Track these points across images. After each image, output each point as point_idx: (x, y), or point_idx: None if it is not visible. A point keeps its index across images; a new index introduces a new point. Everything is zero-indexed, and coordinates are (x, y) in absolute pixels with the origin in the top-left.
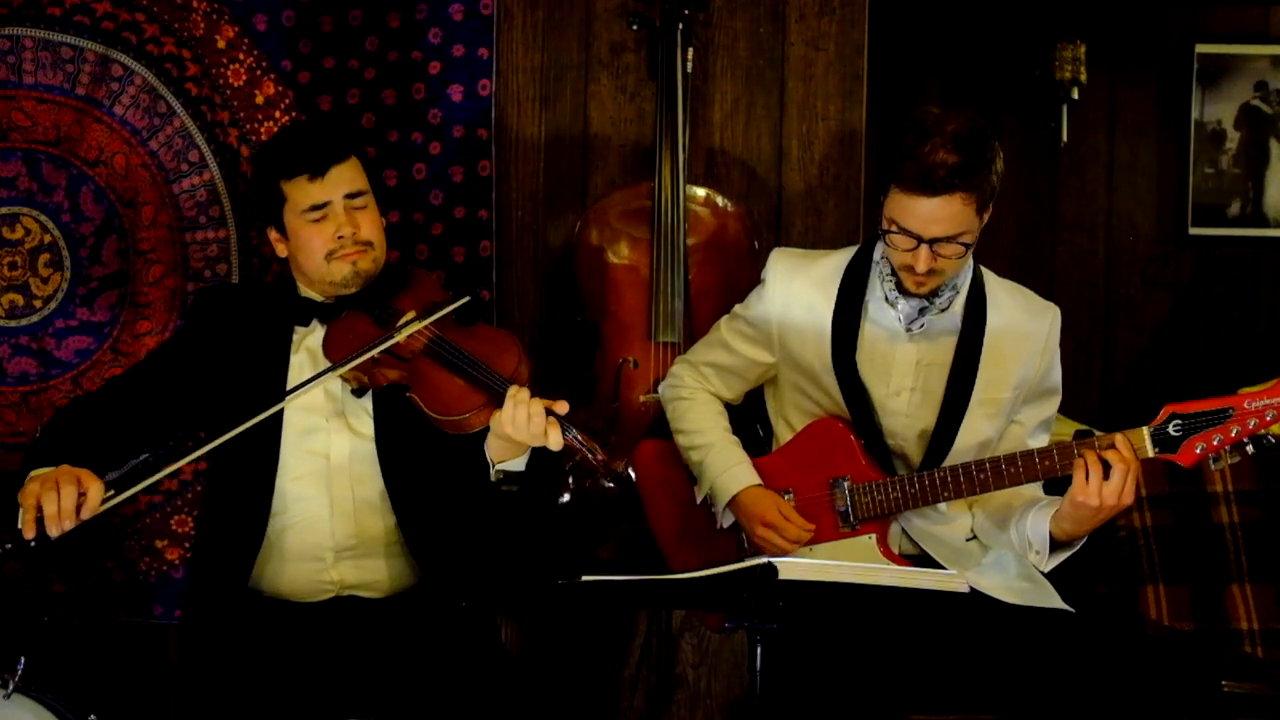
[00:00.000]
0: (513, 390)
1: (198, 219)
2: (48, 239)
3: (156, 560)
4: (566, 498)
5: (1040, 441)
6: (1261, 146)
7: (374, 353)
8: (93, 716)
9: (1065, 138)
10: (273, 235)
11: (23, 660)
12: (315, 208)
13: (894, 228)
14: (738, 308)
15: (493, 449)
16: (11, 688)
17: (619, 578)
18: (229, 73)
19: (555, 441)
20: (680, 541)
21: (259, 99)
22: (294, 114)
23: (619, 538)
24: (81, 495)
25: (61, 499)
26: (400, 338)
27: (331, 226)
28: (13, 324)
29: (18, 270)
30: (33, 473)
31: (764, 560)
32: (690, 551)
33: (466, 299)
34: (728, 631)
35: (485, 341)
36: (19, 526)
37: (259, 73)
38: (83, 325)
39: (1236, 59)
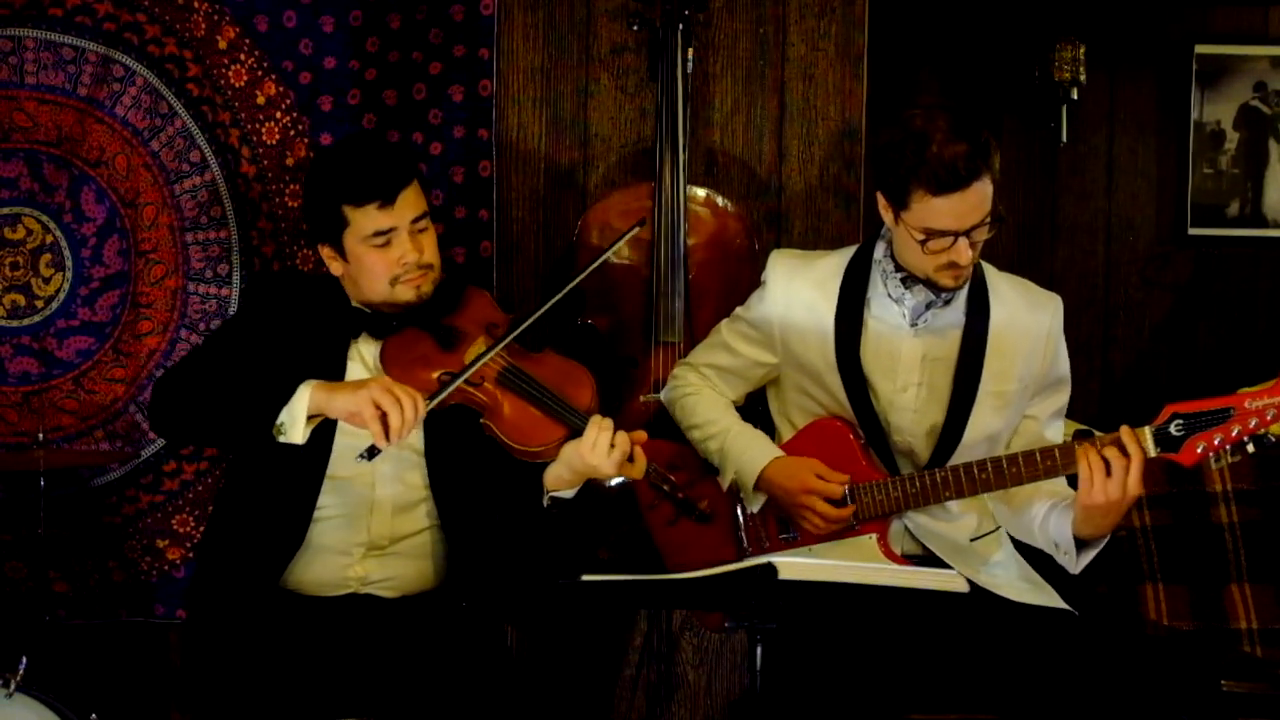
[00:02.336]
0: (597, 418)
1: (199, 219)
2: (49, 239)
3: (158, 560)
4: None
5: (1055, 431)
6: (1261, 147)
7: (458, 384)
8: (94, 716)
9: (1065, 138)
10: (325, 253)
11: (24, 660)
12: (381, 233)
13: (930, 235)
14: (739, 310)
15: (551, 477)
16: (13, 687)
17: (619, 577)
18: (230, 73)
19: (640, 469)
20: (678, 541)
21: (260, 99)
22: (295, 114)
23: (619, 538)
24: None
25: (404, 409)
26: (477, 367)
27: (397, 251)
28: (14, 324)
29: (19, 270)
30: (316, 386)
31: (764, 560)
32: (689, 551)
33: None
34: (728, 631)
35: (558, 373)
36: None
37: (260, 73)
38: (84, 325)
39: (1236, 59)
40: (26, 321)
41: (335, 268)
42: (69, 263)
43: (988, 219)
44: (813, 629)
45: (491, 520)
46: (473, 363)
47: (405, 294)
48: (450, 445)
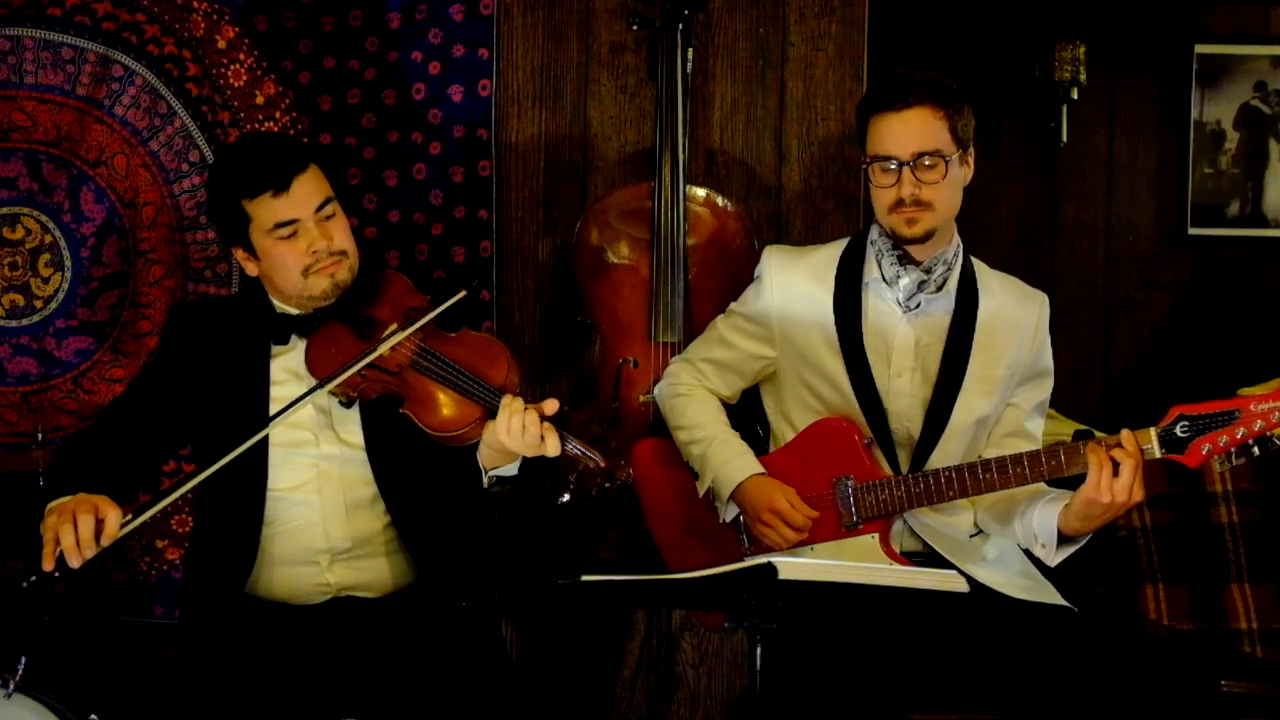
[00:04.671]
0: (506, 399)
1: (198, 219)
2: (48, 239)
3: (157, 560)
4: (566, 498)
5: (1036, 423)
6: (1261, 147)
7: (358, 368)
8: (93, 716)
9: (1065, 138)
10: (240, 255)
11: (23, 660)
12: (284, 224)
13: (874, 159)
14: (734, 305)
15: (485, 457)
16: (12, 687)
17: (619, 578)
18: (229, 73)
19: (553, 447)
20: (679, 541)
21: (259, 99)
22: (294, 114)
23: (619, 538)
24: (99, 522)
25: (79, 529)
26: (383, 349)
27: (304, 242)
28: (13, 324)
29: (18, 270)
30: (50, 505)
31: (764, 560)
32: (689, 551)
33: (440, 309)
34: (728, 631)
35: (473, 350)
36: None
37: (259, 73)
38: (83, 325)
39: (1236, 59)
40: (25, 321)
41: (251, 269)
42: (68, 262)
43: (937, 153)
44: (813, 629)
45: (441, 507)
46: (370, 349)
47: (320, 284)
48: (390, 436)
